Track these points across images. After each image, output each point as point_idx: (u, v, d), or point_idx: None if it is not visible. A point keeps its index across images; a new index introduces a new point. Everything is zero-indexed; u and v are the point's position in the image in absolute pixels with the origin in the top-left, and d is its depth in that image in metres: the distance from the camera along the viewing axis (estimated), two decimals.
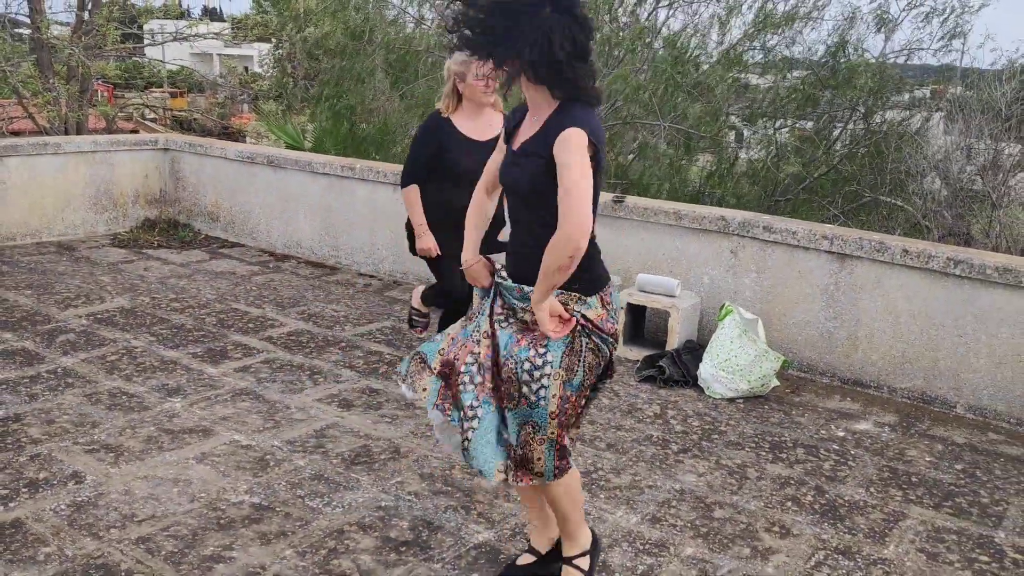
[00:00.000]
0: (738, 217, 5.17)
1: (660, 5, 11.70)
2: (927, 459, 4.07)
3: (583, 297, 2.53)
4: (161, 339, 5.09)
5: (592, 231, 2.41)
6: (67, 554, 2.95)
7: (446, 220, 4.09)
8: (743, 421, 4.38)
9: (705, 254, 5.27)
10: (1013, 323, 4.41)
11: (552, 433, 2.54)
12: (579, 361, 2.52)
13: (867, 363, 4.84)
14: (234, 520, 3.22)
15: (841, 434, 4.29)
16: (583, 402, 2.63)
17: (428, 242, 4.30)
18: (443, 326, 4.48)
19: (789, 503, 3.57)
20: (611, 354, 2.63)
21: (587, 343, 2.53)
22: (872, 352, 4.81)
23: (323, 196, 6.98)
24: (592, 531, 2.85)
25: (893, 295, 4.71)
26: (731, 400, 4.62)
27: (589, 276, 2.54)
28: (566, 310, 2.50)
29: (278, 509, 3.31)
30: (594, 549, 2.84)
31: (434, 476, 3.63)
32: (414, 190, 4.26)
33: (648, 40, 11.51)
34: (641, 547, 3.17)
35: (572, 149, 2.34)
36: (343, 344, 5.19)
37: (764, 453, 4.02)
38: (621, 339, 5.23)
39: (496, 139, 3.58)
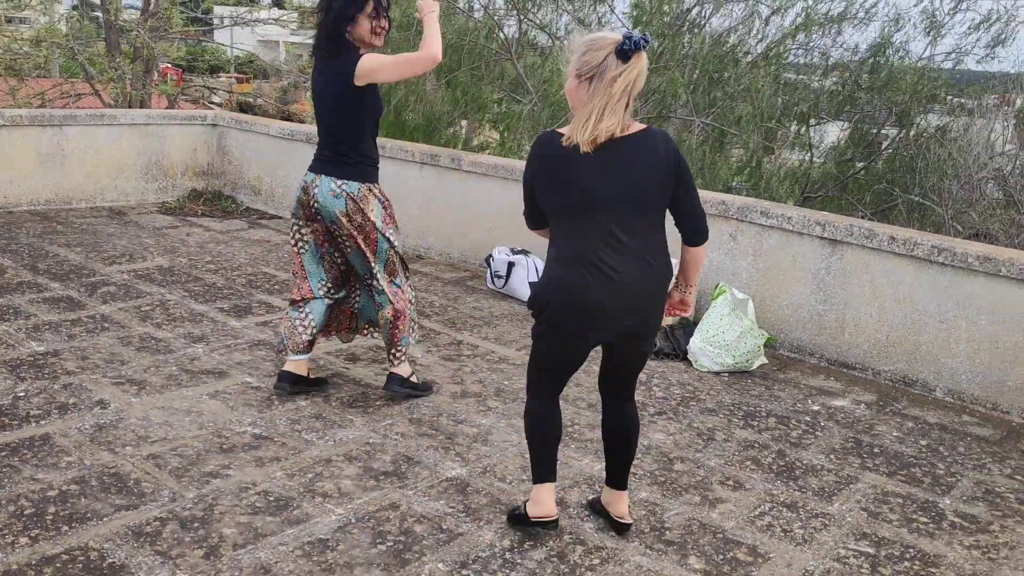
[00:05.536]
0: (737, 202, 5.40)
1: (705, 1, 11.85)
2: (894, 434, 4.27)
3: None
4: (193, 295, 5.51)
5: None
6: (85, 463, 3.34)
7: None
8: (724, 392, 4.62)
9: None
10: (992, 310, 4.57)
11: None
12: None
13: (853, 345, 5.03)
14: (235, 446, 3.59)
15: (816, 408, 4.51)
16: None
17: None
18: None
19: (748, 463, 3.81)
20: None
21: None
22: (858, 335, 5.01)
23: None
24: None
25: (880, 281, 4.90)
26: (717, 374, 4.87)
27: None
28: None
29: (276, 439, 3.67)
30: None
31: (422, 421, 3.96)
32: None
33: (696, 34, 11.69)
34: (598, 488, 3.45)
35: None
36: None
37: (736, 420, 4.27)
38: None
39: None
